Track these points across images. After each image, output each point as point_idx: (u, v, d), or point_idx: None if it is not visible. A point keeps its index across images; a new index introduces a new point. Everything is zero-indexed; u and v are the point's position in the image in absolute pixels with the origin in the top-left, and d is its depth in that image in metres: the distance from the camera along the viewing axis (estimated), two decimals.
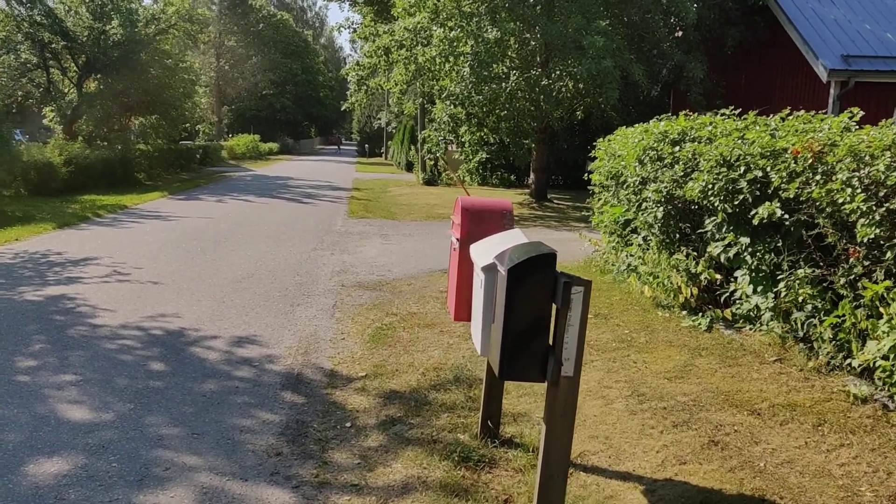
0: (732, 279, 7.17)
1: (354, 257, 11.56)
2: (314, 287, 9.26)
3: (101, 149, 24.98)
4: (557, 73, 17.89)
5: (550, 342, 3.07)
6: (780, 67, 18.45)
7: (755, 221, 6.23)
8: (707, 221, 7.07)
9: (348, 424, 4.91)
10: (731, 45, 18.63)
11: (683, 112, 8.86)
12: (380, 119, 58.94)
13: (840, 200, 5.25)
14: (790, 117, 7.09)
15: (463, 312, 4.06)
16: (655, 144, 8.21)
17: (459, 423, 4.84)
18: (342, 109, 23.27)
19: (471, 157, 23.79)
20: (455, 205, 4.15)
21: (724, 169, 6.68)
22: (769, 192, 6.25)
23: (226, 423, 4.87)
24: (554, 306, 3.04)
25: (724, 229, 6.85)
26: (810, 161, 5.71)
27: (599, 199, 10.33)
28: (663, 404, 5.08)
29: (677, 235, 8.11)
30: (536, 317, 3.01)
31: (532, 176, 21.56)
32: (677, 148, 7.82)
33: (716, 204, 6.76)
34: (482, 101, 17.52)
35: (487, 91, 17.58)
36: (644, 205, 8.32)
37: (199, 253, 11.40)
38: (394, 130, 49.45)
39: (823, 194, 5.45)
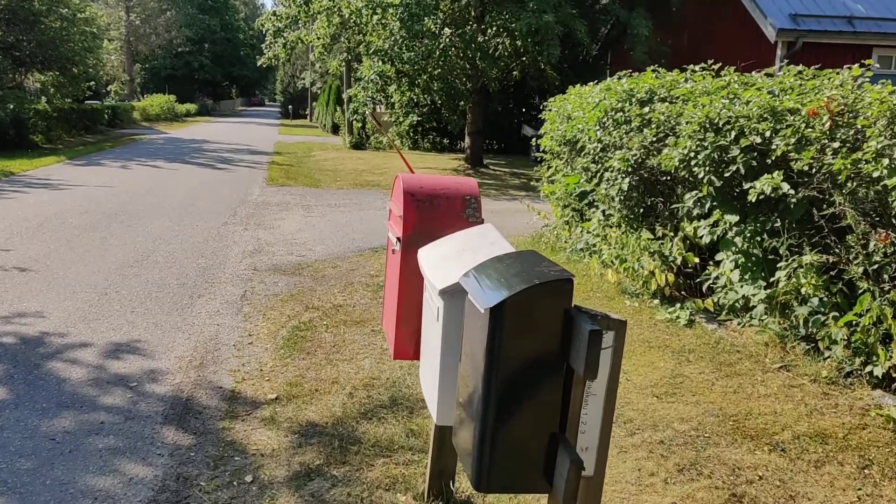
0: (711, 263, 6.14)
1: (271, 233, 10.12)
2: (221, 272, 7.83)
3: None
4: (494, 28, 16.57)
5: (557, 423, 1.86)
6: (726, 27, 17.66)
7: (751, 197, 5.17)
8: (687, 196, 5.98)
9: (248, 479, 3.62)
10: (677, 3, 17.65)
11: (626, 72, 7.72)
12: (304, 79, 56.42)
13: (875, 174, 4.19)
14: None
15: (407, 348, 2.83)
16: (620, 105, 7.06)
17: (399, 474, 3.62)
18: (258, 65, 21.31)
19: (402, 119, 22.34)
20: (394, 186, 2.90)
21: (711, 134, 5.58)
22: (768, 161, 5.18)
23: (74, 487, 3.51)
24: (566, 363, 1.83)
25: (707, 205, 5.78)
26: (828, 124, 4.63)
27: (550, 168, 9.17)
28: (659, 436, 3.98)
29: (641, 210, 7.04)
30: (539, 385, 1.80)
31: (467, 140, 20.30)
32: (647, 109, 6.69)
33: (699, 175, 5.67)
34: (413, 58, 16.08)
35: (419, 47, 16.16)
36: (606, 175, 7.20)
37: (86, 230, 9.75)
38: (319, 91, 47.25)
39: (848, 165, 4.39)
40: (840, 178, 4.47)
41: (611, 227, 7.26)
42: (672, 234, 6.34)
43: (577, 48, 19.45)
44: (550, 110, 9.03)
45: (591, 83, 8.63)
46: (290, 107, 64.63)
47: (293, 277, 7.70)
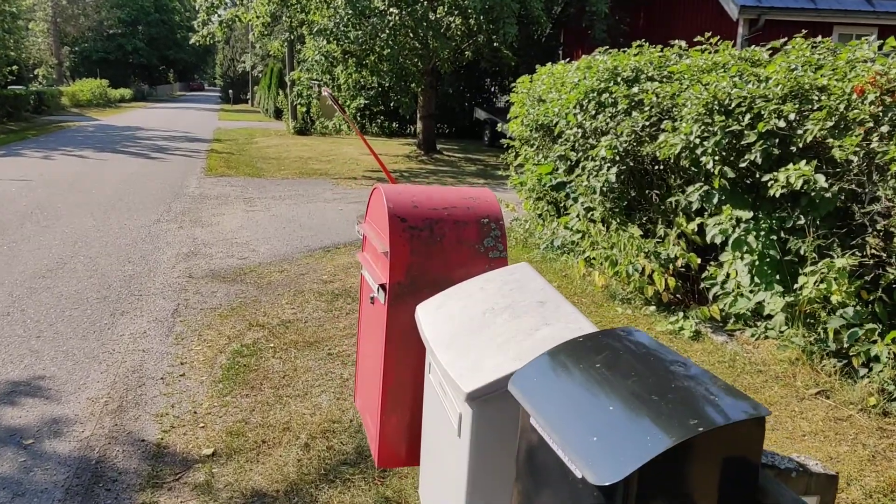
0: (713, 264, 5.41)
1: (209, 232, 9.07)
2: (150, 281, 6.80)
3: None
4: (446, 5, 15.63)
5: None
6: (685, 5, 17.07)
7: (772, 191, 4.41)
8: (690, 189, 5.21)
9: None
10: None
11: (604, 49, 6.95)
12: (244, 62, 54.41)
13: None
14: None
15: (397, 449, 1.98)
16: (602, 86, 6.25)
17: None
18: (191, 43, 19.88)
19: (349, 102, 21.20)
20: (369, 203, 2.03)
21: (720, 117, 4.81)
22: (793, 149, 4.43)
23: None
24: None
25: (714, 200, 5.01)
26: (877, 105, 3.89)
27: (519, 156, 8.34)
28: None
29: (625, 204, 6.28)
30: None
31: (419, 124, 19.34)
32: (636, 89, 5.89)
33: (708, 165, 4.90)
34: (360, 37, 15.04)
35: (366, 26, 15.12)
36: (588, 164, 6.40)
37: None
38: (260, 75, 45.49)
39: None
40: (892, 168, 3.74)
41: (593, 222, 6.48)
42: (666, 231, 5.58)
43: (531, 27, 18.61)
44: (519, 92, 8.18)
45: (560, 63, 7.83)
46: (230, 91, 62.35)
47: (234, 285, 6.73)
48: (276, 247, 8.33)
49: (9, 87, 31.91)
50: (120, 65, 59.88)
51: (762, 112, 4.54)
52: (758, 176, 4.79)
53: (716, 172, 4.82)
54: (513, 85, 8.83)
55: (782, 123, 4.37)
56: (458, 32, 16.70)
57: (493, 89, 26.10)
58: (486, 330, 1.39)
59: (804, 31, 5.66)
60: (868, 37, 5.49)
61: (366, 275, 2.11)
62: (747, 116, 4.64)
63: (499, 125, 21.39)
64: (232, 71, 63.04)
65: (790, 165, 4.30)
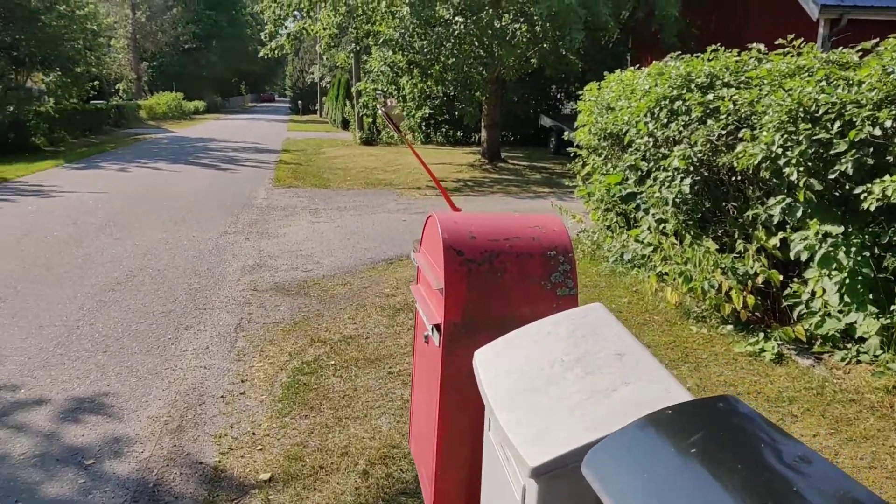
0: (796, 281, 5.06)
1: (275, 243, 9.10)
2: (215, 295, 6.82)
3: None
4: (512, 13, 15.45)
5: None
6: (760, 6, 16.45)
7: (866, 204, 4.08)
8: (771, 201, 4.89)
9: None
10: None
11: (677, 54, 6.65)
12: (313, 73, 55.39)
13: None
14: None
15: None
16: (675, 93, 5.97)
17: None
18: (259, 56, 20.22)
19: (413, 111, 21.23)
20: (424, 231, 1.87)
21: (805, 125, 4.48)
22: (889, 159, 4.08)
23: None
24: None
25: (798, 213, 4.68)
26: None
27: (586, 165, 8.08)
28: None
29: (698, 216, 5.96)
30: None
31: (483, 133, 19.18)
32: (710, 96, 5.59)
33: (791, 176, 4.58)
34: (425, 46, 14.99)
35: (431, 35, 15.07)
36: (660, 174, 6.12)
37: (70, 244, 8.77)
38: (328, 85, 46.19)
39: None
40: None
41: (665, 235, 6.19)
42: (745, 246, 5.26)
43: (599, 33, 18.25)
44: (587, 100, 7.93)
45: (629, 69, 7.56)
46: (299, 102, 63.64)
47: (297, 299, 6.69)
48: (339, 259, 8.29)
49: (90, 102, 33.22)
50: (194, 78, 61.67)
51: (854, 119, 4.20)
52: (847, 188, 4.45)
53: (800, 184, 4.49)
54: (579, 92, 8.60)
55: (877, 132, 4.04)
56: (524, 40, 16.48)
57: (558, 96, 25.76)
58: (554, 387, 1.21)
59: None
60: None
61: (420, 310, 1.94)
62: (836, 124, 4.31)
63: (565, 133, 21.14)
64: (301, 82, 64.35)
65: (886, 177, 3.97)
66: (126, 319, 6.03)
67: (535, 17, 14.89)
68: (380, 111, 4.41)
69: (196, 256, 8.31)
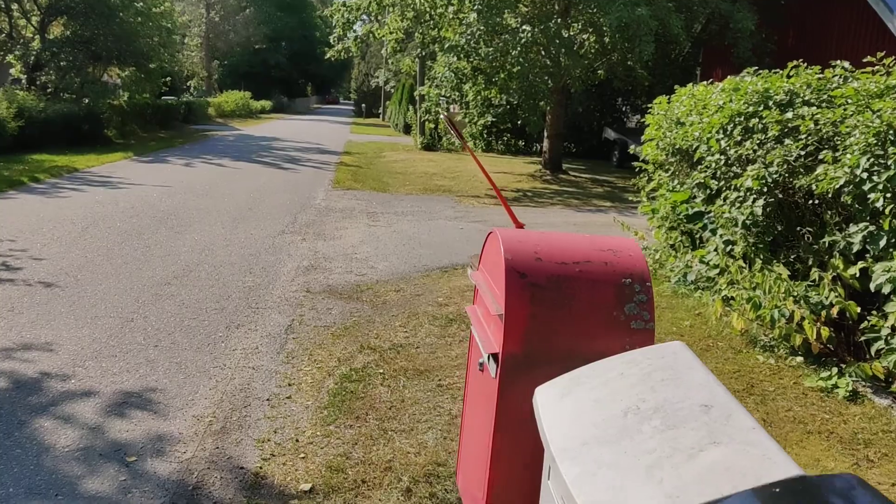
0: (874, 313, 4.73)
1: (331, 245, 9.08)
2: (268, 294, 6.80)
3: (62, 102, 22.28)
4: (580, 23, 15.22)
5: None
6: (839, 22, 15.82)
7: None
8: (852, 228, 4.59)
9: None
10: None
11: (753, 70, 6.36)
12: (377, 77, 55.89)
13: None
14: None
15: None
16: (751, 109, 5.70)
17: None
18: (326, 57, 20.39)
19: (476, 118, 21.12)
20: (484, 248, 1.72)
21: (894, 148, 4.19)
22: None
23: None
24: None
25: (882, 242, 4.38)
26: None
27: (652, 181, 7.82)
28: None
29: (769, 240, 5.67)
30: None
31: (546, 143, 18.96)
32: (789, 115, 5.31)
33: (876, 203, 4.28)
34: (492, 53, 14.86)
35: (498, 43, 14.94)
36: (730, 194, 5.85)
37: (131, 236, 8.91)
38: (392, 90, 46.52)
39: None
40: None
41: (733, 258, 5.90)
42: (820, 274, 4.96)
43: (669, 45, 17.85)
44: (656, 113, 7.68)
45: (701, 83, 7.28)
46: (363, 105, 64.34)
47: (350, 303, 6.61)
48: (394, 264, 8.21)
49: (162, 98, 34.10)
50: (262, 78, 62.90)
51: None
52: None
53: (886, 212, 4.20)
54: (646, 105, 8.36)
55: None
56: (592, 50, 16.24)
57: (624, 109, 25.35)
58: (628, 440, 1.05)
59: None
60: None
61: (475, 334, 1.79)
62: None
63: (631, 146, 20.75)
64: (366, 86, 65.00)
65: None
66: (179, 314, 6.04)
67: (605, 29, 14.63)
68: (442, 116, 4.27)
69: (252, 255, 8.33)
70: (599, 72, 18.08)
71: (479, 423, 1.77)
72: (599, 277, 1.54)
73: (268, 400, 4.49)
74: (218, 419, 4.18)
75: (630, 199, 14.75)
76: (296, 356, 5.25)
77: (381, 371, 4.96)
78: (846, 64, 5.89)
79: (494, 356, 1.56)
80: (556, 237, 1.72)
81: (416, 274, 7.82)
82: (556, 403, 1.21)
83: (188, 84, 56.33)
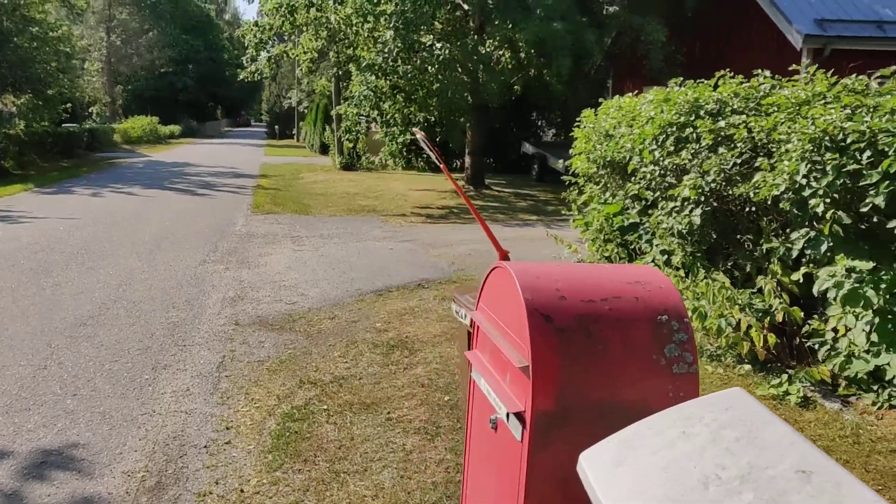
0: (815, 318, 4.79)
1: (256, 273, 8.70)
2: (195, 329, 6.41)
3: None
4: (497, 39, 15.29)
5: None
6: (744, 34, 16.47)
7: None
8: (794, 235, 4.62)
9: None
10: (691, 7, 16.41)
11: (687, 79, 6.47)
12: (290, 98, 55.11)
13: None
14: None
15: None
16: (684, 119, 5.73)
17: None
18: (240, 79, 19.87)
19: (397, 136, 20.92)
20: (485, 283, 1.49)
21: (832, 154, 4.24)
22: None
23: None
24: None
25: (823, 247, 4.41)
26: None
27: (583, 194, 7.81)
28: None
29: (705, 248, 5.71)
30: None
31: (468, 159, 18.96)
32: (722, 123, 5.35)
33: (818, 209, 4.32)
34: (410, 71, 14.74)
35: (415, 60, 14.85)
36: (667, 204, 5.85)
37: (38, 274, 8.29)
38: (306, 110, 45.88)
39: None
40: None
41: (672, 267, 5.91)
42: (765, 281, 4.98)
43: (582, 60, 18.16)
44: (584, 126, 7.67)
45: (627, 95, 7.33)
46: (276, 127, 63.24)
47: (283, 334, 6.29)
48: (325, 290, 7.91)
49: (63, 125, 32.55)
50: (170, 102, 61.09)
51: (886, 149, 3.96)
52: (876, 221, 4.20)
53: (827, 217, 4.23)
54: (560, 119, 8.38)
55: None
56: (509, 66, 16.34)
57: (539, 123, 25.68)
58: None
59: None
60: None
61: (483, 386, 1.58)
62: (867, 154, 4.07)
63: (549, 160, 20.98)
64: (278, 107, 63.97)
65: None
66: (99, 358, 5.59)
67: (521, 44, 14.75)
68: (418, 136, 4.00)
69: (174, 287, 7.88)
70: (516, 87, 18.22)
71: (494, 491, 1.54)
72: (632, 315, 1.36)
73: (205, 447, 4.14)
74: (151, 474, 3.82)
75: (552, 210, 14.87)
76: (231, 396, 4.91)
77: (325, 407, 4.68)
78: (767, 73, 6.02)
79: (519, 416, 1.35)
80: (574, 270, 1.54)
81: (350, 299, 7.54)
82: (612, 473, 1.03)
83: (90, 110, 54.19)
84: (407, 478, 3.74)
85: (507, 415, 1.37)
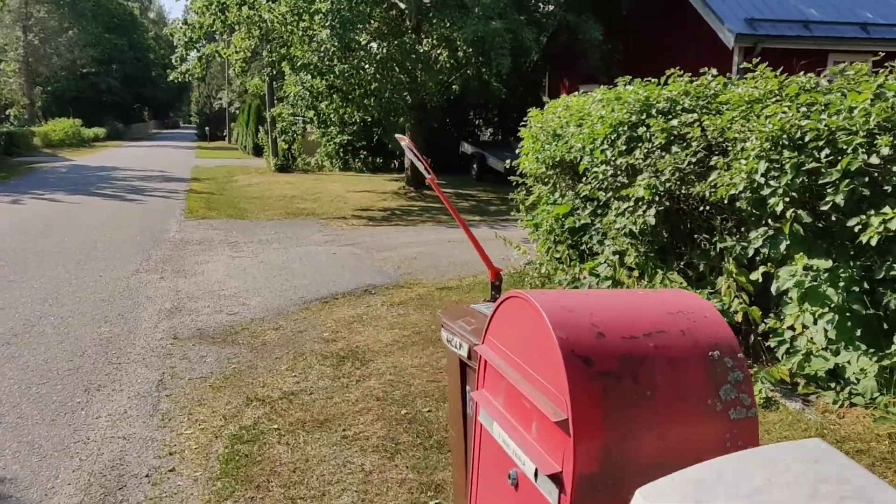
0: (772, 317, 4.78)
1: (193, 283, 8.30)
2: (129, 345, 6.03)
3: None
4: (434, 38, 15.13)
5: None
6: (677, 33, 16.75)
7: (865, 237, 3.80)
8: (753, 234, 4.58)
9: None
10: (626, 6, 16.57)
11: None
12: (220, 99, 53.83)
13: None
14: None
15: None
16: (635, 118, 5.66)
17: None
18: (170, 79, 19.17)
19: (334, 136, 20.52)
20: (496, 314, 1.27)
21: (790, 152, 4.20)
22: (887, 189, 3.82)
23: None
24: None
25: (782, 246, 4.38)
26: None
27: (531, 194, 7.70)
28: None
29: (656, 248, 5.66)
30: None
31: (407, 160, 18.72)
32: (675, 122, 5.30)
33: (776, 207, 4.27)
34: (347, 70, 14.44)
35: (353, 59, 14.56)
36: (619, 204, 5.78)
37: None
38: (237, 111, 44.84)
39: None
40: None
41: (628, 268, 5.84)
42: (721, 280, 4.94)
43: (519, 58, 18.17)
44: (531, 126, 7.56)
45: (573, 95, 7.26)
46: (206, 128, 61.58)
47: (225, 347, 5.98)
48: (267, 299, 7.59)
49: None
50: (93, 103, 58.87)
51: (844, 147, 3.94)
52: (834, 219, 4.18)
53: (787, 216, 4.19)
54: (496, 119, 8.27)
55: (875, 160, 3.78)
56: (447, 65, 16.19)
57: (477, 122, 25.65)
58: None
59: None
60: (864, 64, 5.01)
61: (494, 432, 1.37)
62: (825, 152, 4.04)
63: (489, 159, 20.92)
64: (208, 108, 62.49)
65: (887, 208, 3.70)
66: (25, 381, 5.18)
67: (459, 43, 14.61)
68: (403, 143, 3.71)
69: (105, 300, 7.44)
70: (455, 86, 18.10)
71: None
72: (681, 353, 1.18)
73: (147, 476, 3.84)
74: None
75: (495, 210, 14.81)
76: (173, 417, 4.59)
77: (276, 426, 4.42)
78: (714, 71, 6.01)
79: (556, 478, 1.16)
80: (605, 299, 1.34)
81: (294, 308, 7.25)
82: None
83: (7, 112, 51.86)
84: (368, 501, 3.53)
85: (536, 472, 1.18)
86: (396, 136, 3.34)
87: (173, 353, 5.85)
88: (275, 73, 18.09)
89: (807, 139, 4.13)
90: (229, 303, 7.42)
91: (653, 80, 6.25)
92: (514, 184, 8.20)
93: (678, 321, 1.24)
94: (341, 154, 24.33)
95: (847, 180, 3.89)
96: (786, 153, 4.19)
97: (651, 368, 1.16)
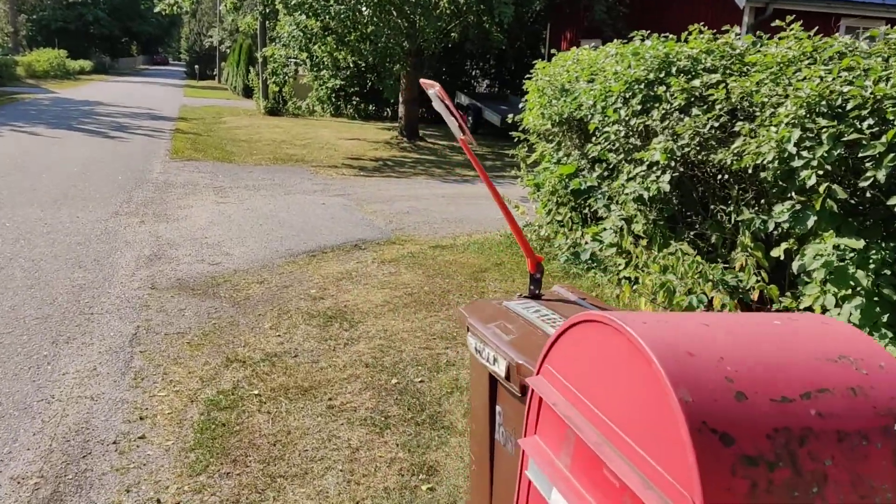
0: (788, 295, 4.49)
1: (175, 228, 7.92)
2: (104, 294, 5.68)
3: None
4: None
5: None
6: None
7: None
8: (777, 208, 4.25)
9: None
10: None
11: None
12: (211, 37, 52.42)
13: None
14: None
15: None
16: (653, 76, 5.27)
17: None
18: (156, 11, 18.40)
19: (326, 80, 19.88)
20: (557, 343, 0.93)
21: (827, 120, 3.85)
22: None
23: None
24: None
25: (809, 223, 4.06)
26: None
27: (534, 152, 7.32)
28: None
29: (666, 217, 5.34)
30: None
31: (401, 108, 18.16)
32: (697, 82, 4.92)
33: (809, 180, 3.94)
34: (343, 11, 13.83)
35: (349, 0, 13.95)
36: (631, 168, 5.43)
37: None
38: (228, 50, 43.63)
39: None
40: None
41: (636, 236, 5.52)
42: (738, 255, 4.63)
43: (521, 8, 17.55)
44: (537, 79, 7.14)
45: (584, 48, 6.84)
46: (196, 67, 60.10)
47: (206, 301, 5.64)
48: (252, 249, 7.23)
49: None
50: (80, 35, 57.24)
51: (892, 118, 3.59)
52: (869, 196, 3.86)
53: (820, 190, 3.86)
54: (493, 70, 7.83)
55: None
56: (447, 11, 15.57)
57: (473, 73, 24.99)
58: None
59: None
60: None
61: (554, 500, 1.05)
62: (867, 122, 3.69)
63: (485, 112, 20.38)
64: (198, 45, 60.84)
65: None
66: None
67: None
68: (430, 92, 3.20)
69: (81, 243, 7.05)
70: (453, 34, 17.48)
71: None
72: (855, 424, 0.81)
73: (114, 443, 3.53)
74: (47, 479, 3.20)
75: (490, 166, 14.38)
76: (146, 377, 4.28)
77: (257, 392, 4.11)
78: (738, 29, 5.62)
79: None
80: (732, 329, 0.96)
81: (280, 260, 6.91)
82: None
83: None
84: (355, 483, 3.24)
85: None
86: (422, 80, 2.91)
87: (150, 304, 5.51)
88: (268, 11, 17.36)
89: (848, 107, 3.77)
90: (212, 252, 7.06)
91: (671, 36, 5.84)
92: (514, 140, 7.81)
93: (842, 372, 0.87)
94: (333, 99, 23.68)
95: (892, 154, 3.55)
96: (823, 122, 3.83)
97: (816, 450, 0.80)
